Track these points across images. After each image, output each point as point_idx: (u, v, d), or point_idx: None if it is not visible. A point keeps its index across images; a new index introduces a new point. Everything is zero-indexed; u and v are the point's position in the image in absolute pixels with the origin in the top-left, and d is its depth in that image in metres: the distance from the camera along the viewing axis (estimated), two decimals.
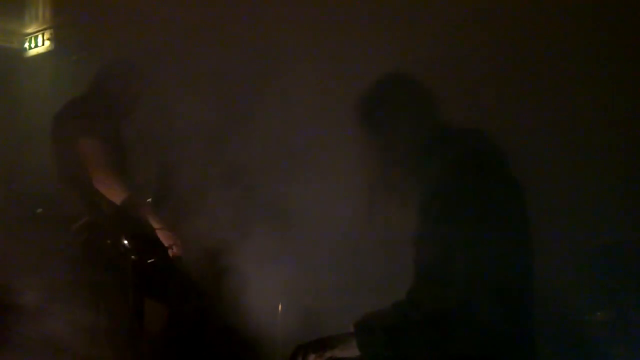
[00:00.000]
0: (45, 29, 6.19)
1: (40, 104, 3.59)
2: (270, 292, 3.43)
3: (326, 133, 3.31)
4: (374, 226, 2.17)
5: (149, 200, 3.59)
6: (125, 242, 3.28)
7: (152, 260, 3.39)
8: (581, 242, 3.41)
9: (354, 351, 2.00)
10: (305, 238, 3.19)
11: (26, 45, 6.35)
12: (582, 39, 3.45)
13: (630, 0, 3.43)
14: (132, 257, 3.27)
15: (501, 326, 1.88)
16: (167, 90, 3.76)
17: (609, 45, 3.44)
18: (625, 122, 3.45)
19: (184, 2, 4.05)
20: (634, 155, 3.42)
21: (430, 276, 1.98)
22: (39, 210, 4.25)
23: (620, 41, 3.43)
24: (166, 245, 3.39)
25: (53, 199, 3.87)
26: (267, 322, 3.55)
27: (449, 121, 2.14)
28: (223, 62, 3.79)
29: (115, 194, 3.36)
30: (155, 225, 3.38)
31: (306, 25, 3.60)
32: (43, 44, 6.19)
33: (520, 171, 2.11)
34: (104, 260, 3.39)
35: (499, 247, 1.90)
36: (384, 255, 3.53)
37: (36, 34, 6.27)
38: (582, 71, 3.47)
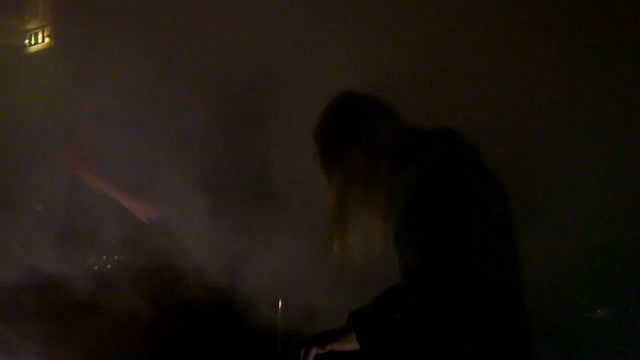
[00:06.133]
0: (45, 26, 6.18)
1: (40, 101, 3.58)
2: (270, 288, 3.44)
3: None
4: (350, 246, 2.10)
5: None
6: None
7: None
8: (581, 241, 3.42)
9: (355, 345, 2.01)
10: (307, 234, 3.19)
11: (26, 42, 6.33)
12: (581, 39, 3.46)
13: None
14: None
15: (498, 323, 1.89)
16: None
17: (609, 45, 3.44)
18: (625, 121, 3.46)
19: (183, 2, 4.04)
20: (634, 155, 3.42)
21: (418, 282, 1.91)
22: (39, 207, 4.25)
23: (620, 41, 3.44)
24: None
25: (53, 197, 3.87)
26: (267, 319, 3.56)
27: (423, 124, 2.09)
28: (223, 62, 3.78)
29: None
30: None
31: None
32: (43, 41, 6.17)
33: (518, 171, 2.08)
34: None
35: (481, 246, 1.89)
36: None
37: (36, 31, 6.26)
38: (581, 69, 3.48)
